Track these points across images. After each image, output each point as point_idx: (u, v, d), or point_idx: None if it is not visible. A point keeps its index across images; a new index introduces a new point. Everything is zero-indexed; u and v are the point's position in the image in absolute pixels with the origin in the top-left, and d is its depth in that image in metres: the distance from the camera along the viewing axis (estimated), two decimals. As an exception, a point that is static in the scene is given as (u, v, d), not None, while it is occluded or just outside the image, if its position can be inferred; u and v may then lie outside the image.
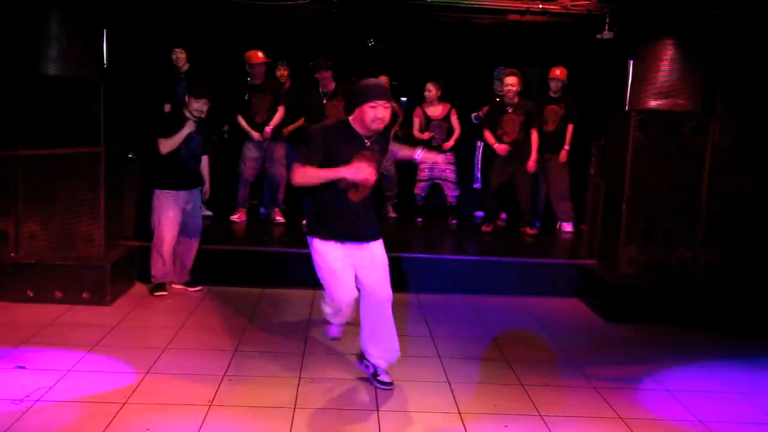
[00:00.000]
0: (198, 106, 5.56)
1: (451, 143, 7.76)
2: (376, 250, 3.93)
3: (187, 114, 5.60)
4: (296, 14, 7.66)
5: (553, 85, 7.68)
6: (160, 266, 5.73)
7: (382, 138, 3.88)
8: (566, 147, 7.63)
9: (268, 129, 7.22)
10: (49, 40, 5.34)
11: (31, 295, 5.38)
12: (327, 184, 3.76)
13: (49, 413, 3.57)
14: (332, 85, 7.31)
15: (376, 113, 3.65)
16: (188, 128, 5.57)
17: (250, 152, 7.36)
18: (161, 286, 5.75)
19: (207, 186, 6.02)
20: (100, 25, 5.50)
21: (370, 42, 9.76)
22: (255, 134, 7.23)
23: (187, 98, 5.61)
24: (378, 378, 4.05)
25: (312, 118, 7.33)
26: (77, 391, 3.85)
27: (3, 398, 3.68)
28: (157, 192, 5.66)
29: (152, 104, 7.23)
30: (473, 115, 8.17)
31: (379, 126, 3.70)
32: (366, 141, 3.77)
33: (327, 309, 4.08)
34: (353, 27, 9.00)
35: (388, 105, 3.70)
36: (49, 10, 5.27)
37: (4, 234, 5.45)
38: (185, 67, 7.35)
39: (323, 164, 3.72)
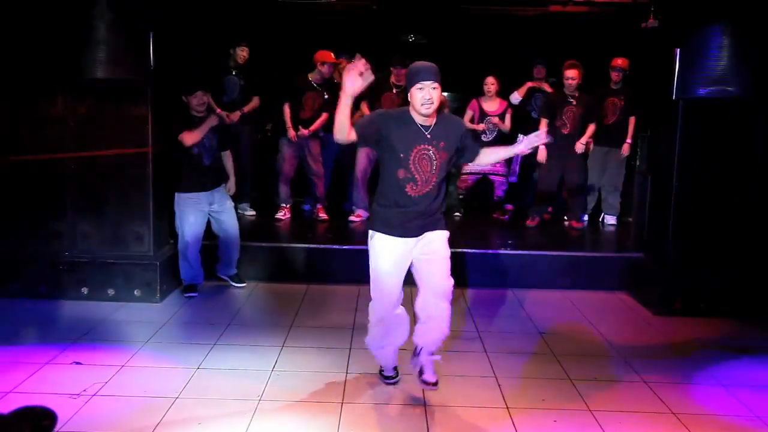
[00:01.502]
0: (196, 102, 5.58)
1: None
2: (437, 242, 3.73)
3: (193, 113, 5.62)
4: (337, 11, 7.70)
5: (614, 75, 7.51)
6: (188, 269, 5.76)
7: (451, 135, 3.66)
8: (628, 141, 7.47)
9: (304, 131, 7.23)
10: (98, 43, 5.43)
11: (85, 292, 5.52)
12: (388, 178, 3.65)
13: (104, 407, 3.66)
14: (404, 81, 7.31)
15: (423, 95, 3.48)
16: (212, 121, 5.58)
17: (287, 148, 7.40)
18: (191, 288, 5.77)
19: (231, 182, 5.93)
20: (147, 28, 5.59)
21: (411, 37, 9.74)
22: (291, 133, 7.24)
23: (185, 99, 5.62)
24: (422, 377, 3.88)
25: (368, 103, 7.37)
26: (131, 386, 3.94)
27: (61, 393, 3.78)
28: (176, 195, 5.65)
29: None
30: (512, 96, 7.99)
31: (428, 109, 3.50)
32: (426, 133, 3.58)
33: (372, 333, 3.94)
34: (393, 22, 8.99)
35: (437, 86, 3.50)
36: (97, 15, 5.38)
37: (58, 233, 5.59)
38: (244, 63, 7.41)
39: (380, 151, 3.64)
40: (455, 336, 4.87)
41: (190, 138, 5.51)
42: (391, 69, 7.39)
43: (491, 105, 7.72)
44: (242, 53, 7.38)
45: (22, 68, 5.44)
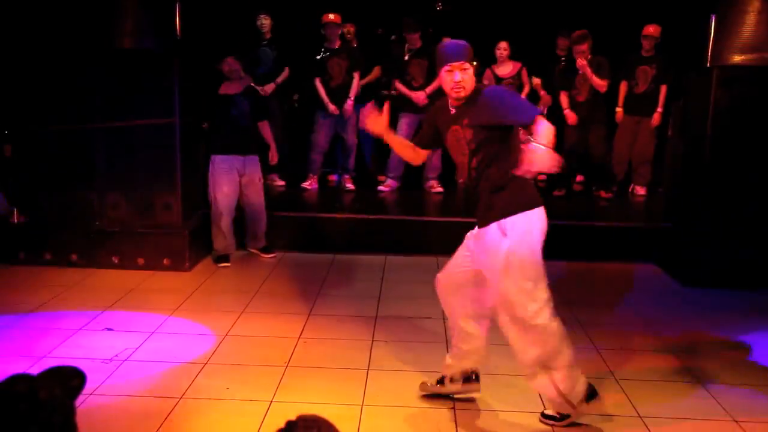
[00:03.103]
0: (227, 69, 5.65)
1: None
2: (487, 240, 3.20)
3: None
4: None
5: (645, 43, 7.35)
6: (221, 240, 5.81)
7: (475, 111, 3.20)
8: (659, 110, 7.34)
9: (350, 103, 7.22)
10: (124, 13, 5.47)
11: (116, 261, 5.62)
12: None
13: (135, 372, 3.74)
14: (420, 44, 7.28)
15: (452, 78, 3.15)
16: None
17: (323, 120, 7.38)
18: (224, 258, 5.82)
19: (273, 150, 5.99)
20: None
21: (438, 5, 9.62)
22: (331, 107, 7.22)
23: (218, 69, 5.68)
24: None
25: (390, 71, 7.34)
26: (161, 351, 4.02)
27: (93, 358, 3.87)
28: (213, 158, 5.70)
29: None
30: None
31: (458, 93, 3.16)
32: (453, 113, 3.26)
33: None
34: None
35: (468, 66, 3.17)
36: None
37: (89, 204, 5.68)
38: (269, 34, 7.40)
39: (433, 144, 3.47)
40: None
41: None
42: (405, 36, 7.34)
43: (504, 69, 7.71)
44: (265, 22, 7.36)
45: (51, 40, 5.49)
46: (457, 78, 3.15)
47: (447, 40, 3.40)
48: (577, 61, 7.14)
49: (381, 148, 7.93)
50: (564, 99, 7.35)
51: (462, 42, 3.27)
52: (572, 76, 7.28)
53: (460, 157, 3.28)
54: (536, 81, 7.84)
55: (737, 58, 5.44)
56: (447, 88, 3.21)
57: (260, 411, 3.33)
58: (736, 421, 3.34)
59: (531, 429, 3.27)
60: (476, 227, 3.31)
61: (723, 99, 5.47)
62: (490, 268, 3.19)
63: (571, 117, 7.28)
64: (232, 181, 5.71)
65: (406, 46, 7.36)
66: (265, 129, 5.95)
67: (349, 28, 7.86)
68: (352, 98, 7.23)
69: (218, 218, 5.73)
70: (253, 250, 6.08)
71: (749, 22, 5.37)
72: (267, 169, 6.79)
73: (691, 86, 6.01)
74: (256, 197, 5.89)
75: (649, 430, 3.25)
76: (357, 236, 6.32)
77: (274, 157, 6.01)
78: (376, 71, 7.75)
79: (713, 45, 5.48)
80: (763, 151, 5.51)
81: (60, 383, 1.42)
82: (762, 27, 5.34)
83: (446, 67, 3.18)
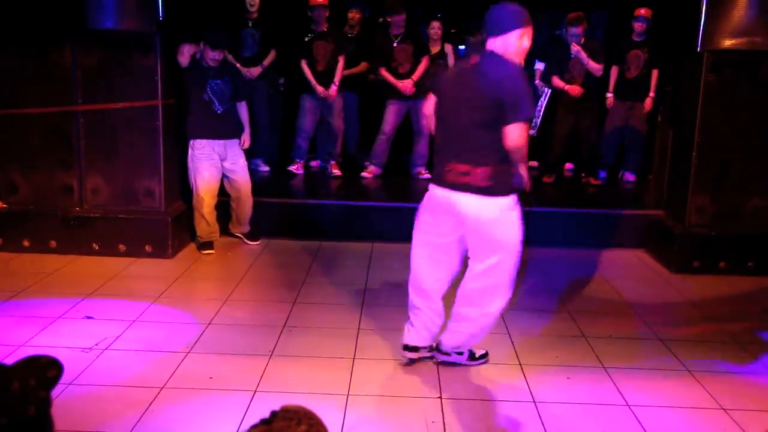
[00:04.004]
0: (211, 55, 5.50)
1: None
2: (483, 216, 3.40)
3: (203, 63, 5.54)
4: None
5: (637, 26, 7.28)
6: (204, 226, 5.75)
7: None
8: (651, 95, 7.31)
9: (334, 88, 7.16)
10: (105, -7, 5.39)
11: (97, 248, 5.56)
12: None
13: (116, 361, 3.72)
14: (404, 29, 7.23)
15: (523, 44, 3.30)
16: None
17: (309, 104, 7.32)
18: (208, 245, 5.77)
19: (246, 134, 5.84)
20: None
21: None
22: (319, 89, 7.15)
23: (202, 46, 5.52)
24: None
25: (379, 62, 7.30)
26: (143, 340, 3.99)
27: (73, 347, 3.83)
28: (191, 143, 5.59)
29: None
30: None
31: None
32: None
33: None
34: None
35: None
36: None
37: (69, 188, 5.62)
38: (256, 15, 7.29)
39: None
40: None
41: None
42: (388, 19, 7.26)
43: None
44: (254, 2, 7.24)
45: (29, 19, 5.40)
46: (526, 45, 3.30)
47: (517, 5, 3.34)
48: (572, 46, 7.12)
49: (366, 134, 7.92)
50: (559, 83, 7.32)
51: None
52: (566, 60, 7.25)
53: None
54: (539, 66, 7.80)
55: (727, 43, 5.44)
56: (521, 53, 3.30)
57: (244, 401, 3.32)
58: (724, 409, 3.36)
59: (518, 415, 3.28)
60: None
61: (713, 84, 5.48)
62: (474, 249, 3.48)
63: (574, 89, 7.25)
64: (212, 165, 5.63)
65: (391, 31, 7.29)
66: (243, 110, 5.86)
67: (354, 15, 7.77)
68: (337, 83, 7.18)
69: (200, 204, 5.67)
70: (237, 234, 6.04)
71: (739, 6, 5.37)
72: (251, 154, 6.74)
73: (681, 71, 6.02)
74: (243, 182, 5.82)
75: (636, 418, 3.27)
76: (344, 223, 6.30)
77: (246, 140, 5.87)
78: (362, 66, 7.66)
79: (704, 29, 5.48)
80: (752, 136, 5.53)
81: (35, 374, 1.39)
82: (752, 11, 5.35)
83: (517, 32, 3.25)
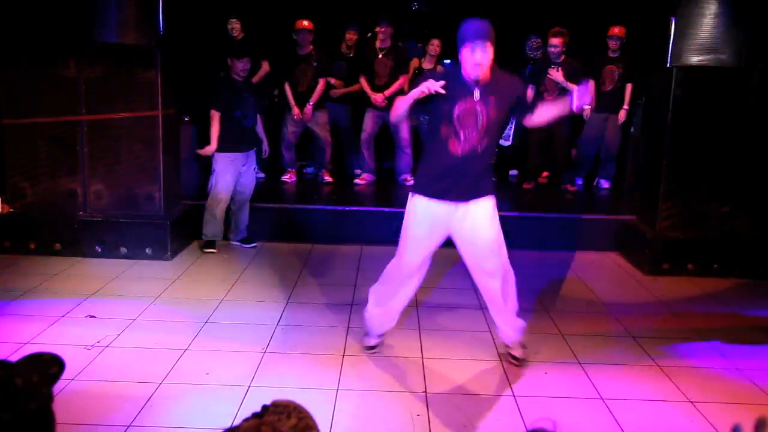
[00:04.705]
0: (241, 66, 5.59)
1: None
2: (480, 217, 3.43)
3: (234, 77, 5.64)
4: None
5: (611, 43, 7.36)
6: (212, 226, 5.78)
7: (504, 94, 3.34)
8: (625, 107, 7.37)
9: (308, 108, 7.14)
10: (109, 8, 5.37)
11: (99, 250, 5.53)
12: (432, 137, 3.38)
13: (116, 359, 3.69)
14: (388, 43, 7.23)
15: (474, 57, 3.17)
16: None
17: (291, 118, 7.31)
18: (211, 243, 5.80)
19: (265, 144, 6.07)
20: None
21: (414, 5, 9.58)
22: (295, 110, 7.15)
23: (230, 62, 5.64)
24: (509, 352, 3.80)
25: (360, 71, 7.29)
26: (142, 338, 3.97)
27: (75, 344, 3.81)
28: (217, 155, 5.67)
29: (209, 72, 7.21)
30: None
31: (477, 73, 3.19)
32: (474, 89, 3.27)
33: (371, 310, 3.82)
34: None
35: (489, 47, 3.17)
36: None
37: (73, 193, 5.59)
38: (239, 37, 7.30)
39: (428, 111, 3.38)
40: (453, 292, 4.90)
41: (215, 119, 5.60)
42: (376, 30, 7.25)
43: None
44: (235, 26, 7.22)
45: (36, 33, 5.37)
46: (478, 58, 3.16)
47: (471, 20, 3.26)
48: (551, 72, 7.15)
49: (356, 145, 7.92)
50: (530, 95, 7.34)
51: (486, 22, 3.23)
52: (542, 75, 7.28)
53: (470, 131, 3.29)
54: None
55: (695, 59, 5.50)
56: (467, 66, 3.20)
57: (239, 395, 3.30)
58: (691, 401, 3.38)
59: (498, 409, 3.28)
60: (456, 202, 3.40)
61: (682, 97, 5.52)
62: (486, 235, 3.45)
63: (586, 111, 7.27)
64: (234, 171, 5.74)
65: (377, 43, 7.29)
66: (259, 123, 6.02)
67: (351, 36, 7.69)
68: (311, 103, 7.14)
69: (215, 204, 5.72)
70: (234, 243, 6.03)
71: (706, 25, 5.43)
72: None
73: (653, 85, 6.06)
74: (248, 186, 5.90)
75: (610, 410, 3.28)
76: (335, 227, 6.30)
77: (266, 149, 6.11)
78: (358, 85, 7.64)
79: (673, 46, 5.53)
80: (719, 146, 5.57)
81: (38, 370, 1.38)
82: (718, 29, 5.41)
83: (468, 45, 3.18)
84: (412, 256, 3.56)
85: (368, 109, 7.38)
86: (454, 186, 3.38)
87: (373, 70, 7.25)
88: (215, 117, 5.61)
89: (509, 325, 3.72)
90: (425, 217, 3.46)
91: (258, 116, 5.97)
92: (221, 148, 5.66)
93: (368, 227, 6.25)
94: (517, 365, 3.72)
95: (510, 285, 3.65)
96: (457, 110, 3.26)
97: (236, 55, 5.63)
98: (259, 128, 6.04)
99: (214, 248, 5.80)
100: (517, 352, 3.76)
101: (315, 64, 7.16)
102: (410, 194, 3.54)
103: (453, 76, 3.28)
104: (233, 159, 5.70)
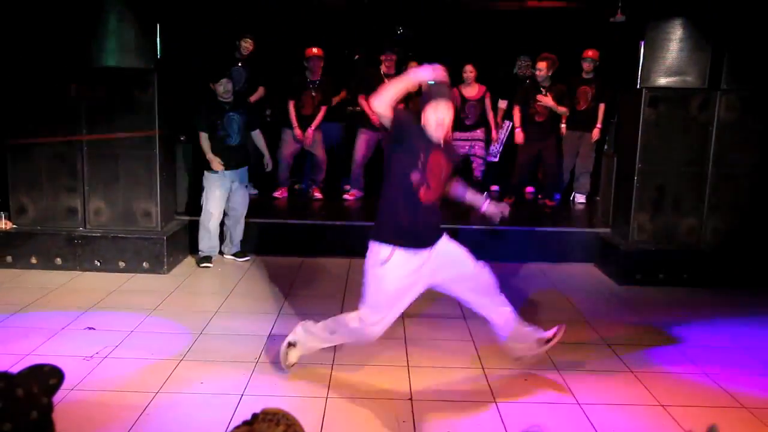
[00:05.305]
0: (221, 90, 5.56)
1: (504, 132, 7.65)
2: (450, 251, 3.44)
3: (219, 99, 5.62)
4: (330, 5, 7.61)
5: (585, 65, 7.47)
6: (207, 240, 5.76)
7: (453, 151, 3.51)
8: (598, 125, 7.47)
9: (309, 131, 7.16)
10: (108, 34, 5.39)
11: (99, 264, 5.51)
12: (400, 185, 3.22)
13: (115, 368, 3.68)
14: (394, 70, 7.25)
15: (438, 115, 3.20)
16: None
17: (289, 137, 7.31)
18: (207, 259, 5.77)
19: (267, 158, 6.04)
20: (154, 19, 5.54)
21: (399, 30, 9.65)
22: (297, 132, 7.16)
23: (211, 86, 5.62)
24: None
25: (361, 90, 7.24)
26: (140, 349, 3.95)
27: (75, 355, 3.79)
28: (205, 174, 5.67)
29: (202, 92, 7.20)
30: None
31: (440, 132, 3.22)
32: (439, 143, 3.29)
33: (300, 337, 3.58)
34: (383, 16, 8.92)
35: (452, 108, 3.23)
36: (107, 7, 5.34)
37: (73, 210, 5.57)
38: (247, 55, 7.27)
39: (399, 149, 3.22)
40: (437, 303, 4.90)
41: (203, 140, 5.59)
42: (381, 58, 7.29)
43: (470, 91, 7.67)
44: (246, 45, 7.25)
45: (39, 57, 5.38)
46: (442, 118, 3.20)
47: (430, 71, 3.23)
48: (540, 97, 7.21)
49: (349, 160, 7.95)
50: (517, 115, 7.39)
51: (448, 83, 3.29)
52: (531, 98, 7.34)
53: (436, 180, 3.26)
54: (502, 105, 7.86)
55: (663, 81, 5.59)
56: (431, 123, 3.21)
57: (232, 403, 3.29)
58: (662, 405, 3.41)
59: (480, 414, 3.29)
60: (421, 248, 3.30)
61: (651, 116, 5.59)
62: (461, 262, 3.46)
63: (519, 137, 7.32)
64: (223, 187, 5.71)
65: (382, 69, 7.26)
66: (259, 137, 5.96)
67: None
68: (313, 128, 7.18)
69: (208, 219, 5.70)
70: (228, 257, 6.01)
71: (672, 49, 5.54)
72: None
73: (624, 105, 6.14)
74: (242, 203, 5.87)
75: (586, 414, 3.30)
76: (324, 241, 6.30)
77: (269, 163, 6.06)
78: (342, 93, 7.70)
79: (642, 69, 5.62)
80: (685, 163, 5.64)
81: (38, 381, 1.38)
82: (683, 53, 5.52)
83: (432, 104, 3.20)
84: (393, 314, 3.37)
85: (362, 130, 7.38)
86: (426, 234, 3.33)
87: (373, 90, 7.21)
88: (202, 137, 5.61)
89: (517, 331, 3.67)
90: (406, 270, 3.27)
91: (256, 131, 5.94)
92: (207, 167, 5.64)
93: (356, 241, 6.23)
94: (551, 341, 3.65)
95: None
96: (429, 159, 3.21)
97: (213, 79, 5.58)
98: (261, 143, 5.99)
99: (210, 263, 5.77)
100: (546, 333, 3.65)
101: (321, 91, 7.19)
102: (378, 245, 3.27)
103: (418, 127, 3.26)
104: (220, 177, 5.66)
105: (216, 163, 5.61)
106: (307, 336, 3.60)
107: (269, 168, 6.11)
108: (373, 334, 3.40)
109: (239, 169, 5.79)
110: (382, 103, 3.14)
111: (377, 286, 3.29)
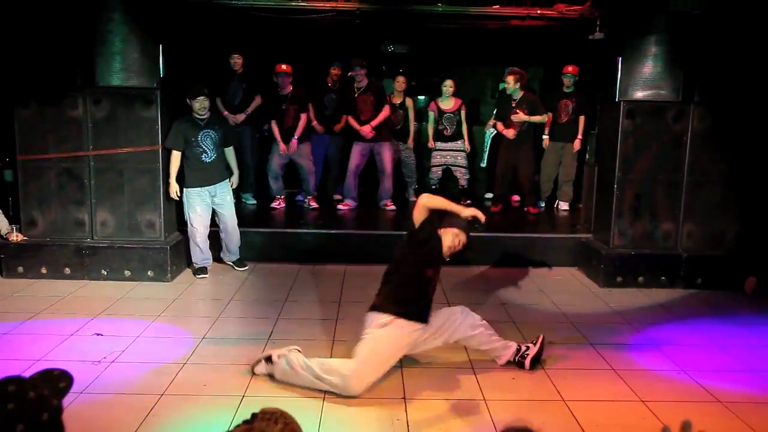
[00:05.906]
0: (197, 106, 5.47)
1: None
2: (438, 314, 3.76)
3: (195, 116, 5.51)
4: (323, 24, 7.64)
5: (565, 80, 7.54)
6: (198, 254, 5.70)
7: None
8: (579, 137, 7.54)
9: (293, 141, 7.20)
10: (113, 55, 5.41)
11: (105, 273, 5.50)
12: (413, 277, 3.58)
13: (122, 373, 3.67)
14: (365, 82, 7.32)
15: (455, 242, 3.60)
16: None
17: (277, 151, 7.34)
18: (202, 270, 5.72)
19: (235, 177, 5.86)
20: (157, 40, 5.56)
21: (389, 47, 9.71)
22: (282, 146, 7.22)
23: (188, 102, 5.51)
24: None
25: (346, 111, 7.40)
26: (145, 354, 3.95)
27: (83, 360, 3.79)
28: (184, 191, 5.56)
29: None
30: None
31: (451, 253, 3.62)
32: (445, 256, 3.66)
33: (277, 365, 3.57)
34: (374, 34, 8.96)
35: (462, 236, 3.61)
36: (112, 29, 5.35)
37: (81, 222, 5.57)
38: (240, 70, 7.35)
39: (423, 251, 3.57)
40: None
41: (173, 158, 5.48)
42: (352, 74, 7.33)
43: (447, 104, 7.75)
44: (237, 61, 7.31)
45: (47, 76, 5.39)
46: (456, 246, 3.59)
47: (475, 214, 3.64)
48: (513, 116, 7.27)
49: (342, 171, 7.98)
50: (500, 125, 7.49)
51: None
52: (505, 112, 7.41)
53: (437, 278, 3.68)
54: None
55: (640, 94, 5.64)
56: (446, 244, 3.58)
57: (233, 404, 3.29)
58: (642, 401, 3.42)
59: (470, 411, 3.29)
60: (421, 323, 3.63)
61: (629, 128, 5.63)
62: (452, 319, 3.75)
63: (509, 132, 7.38)
64: (204, 203, 5.60)
65: (355, 84, 7.37)
66: (231, 155, 5.84)
67: (335, 71, 7.77)
68: (296, 137, 7.20)
69: (194, 235, 5.64)
70: (227, 262, 6.01)
71: (648, 64, 5.60)
72: (241, 190, 6.75)
73: (603, 117, 6.18)
74: (229, 217, 5.79)
75: (570, 410, 3.31)
76: (321, 248, 6.30)
77: (234, 182, 5.88)
78: (343, 122, 7.71)
79: (620, 83, 5.68)
80: (662, 171, 5.68)
81: (49, 384, 1.39)
82: (658, 68, 5.58)
83: (456, 232, 3.60)
84: (383, 373, 3.56)
85: (356, 142, 7.45)
86: (424, 312, 3.65)
87: (356, 107, 7.33)
88: (173, 155, 5.46)
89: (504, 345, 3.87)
90: (408, 340, 3.61)
91: (230, 148, 5.79)
92: (186, 184, 5.56)
93: (351, 248, 6.27)
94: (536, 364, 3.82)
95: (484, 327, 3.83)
96: (432, 269, 3.62)
97: (191, 96, 5.47)
98: (233, 161, 5.82)
99: (205, 274, 5.71)
100: (529, 354, 3.84)
101: (296, 102, 7.22)
102: (385, 316, 3.55)
103: (438, 248, 3.60)
104: (198, 193, 5.56)
105: (173, 191, 5.51)
106: (288, 371, 3.53)
107: (234, 186, 5.88)
108: (353, 389, 3.41)
109: (218, 184, 5.66)
110: (429, 204, 3.55)
111: (381, 353, 3.53)
